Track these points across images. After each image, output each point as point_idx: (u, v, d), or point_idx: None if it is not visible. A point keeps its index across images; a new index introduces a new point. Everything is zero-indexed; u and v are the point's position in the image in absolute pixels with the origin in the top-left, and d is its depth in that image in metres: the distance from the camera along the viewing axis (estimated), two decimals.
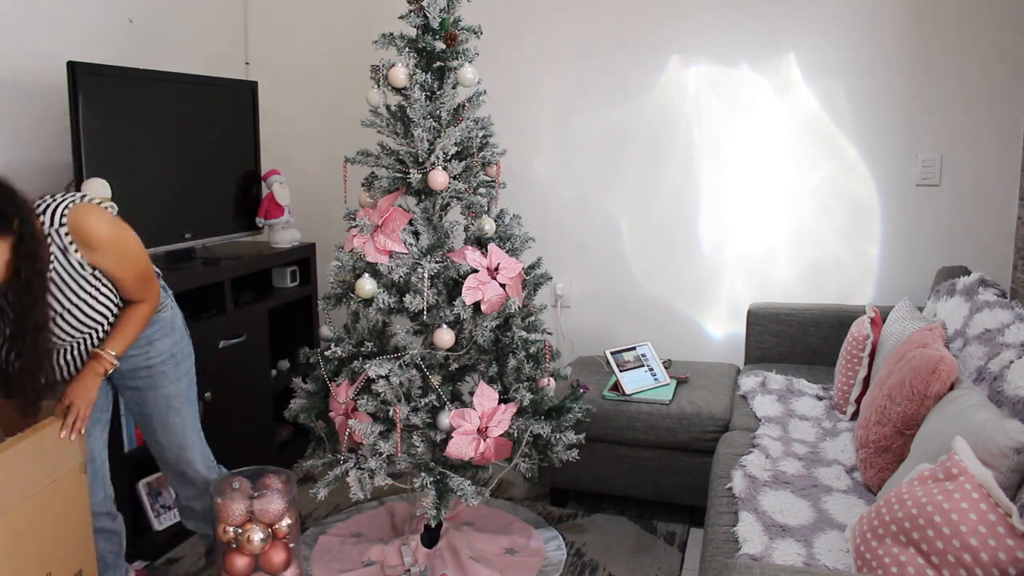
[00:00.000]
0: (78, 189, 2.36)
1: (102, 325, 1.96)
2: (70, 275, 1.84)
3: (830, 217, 3.15)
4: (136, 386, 2.09)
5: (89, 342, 1.96)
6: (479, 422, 2.28)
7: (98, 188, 2.36)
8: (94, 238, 1.82)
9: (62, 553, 1.89)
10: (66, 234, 1.80)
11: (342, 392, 2.35)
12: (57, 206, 1.80)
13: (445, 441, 2.28)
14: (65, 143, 2.63)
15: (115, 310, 1.97)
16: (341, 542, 2.65)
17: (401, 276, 2.29)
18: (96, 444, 2.10)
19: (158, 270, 2.12)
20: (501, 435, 2.32)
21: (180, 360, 2.13)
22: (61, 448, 1.88)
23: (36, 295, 1.76)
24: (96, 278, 1.89)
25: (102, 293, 1.92)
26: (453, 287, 2.36)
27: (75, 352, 1.96)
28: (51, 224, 1.80)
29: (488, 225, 2.38)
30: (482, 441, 2.28)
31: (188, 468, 2.19)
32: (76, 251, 1.82)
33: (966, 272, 2.66)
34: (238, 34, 3.71)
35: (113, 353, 1.95)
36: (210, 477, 2.22)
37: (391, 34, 2.34)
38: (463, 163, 2.33)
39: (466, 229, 2.42)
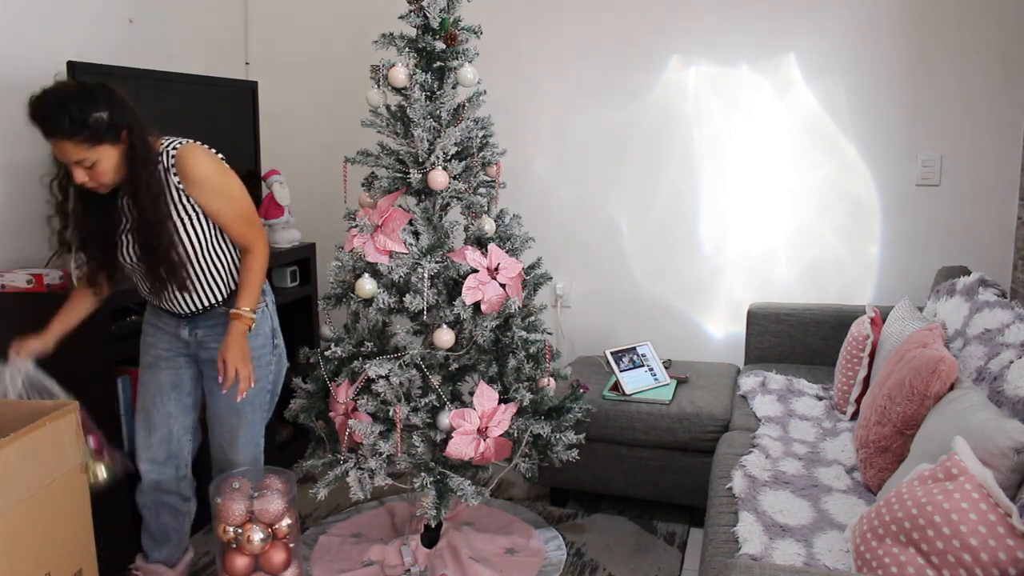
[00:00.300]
0: None
1: (203, 265, 2.07)
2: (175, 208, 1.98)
3: (830, 217, 3.15)
4: (212, 376, 2.15)
5: (195, 279, 2.07)
6: (479, 422, 2.28)
7: None
8: (197, 173, 1.96)
9: (61, 553, 1.89)
10: (175, 174, 1.95)
11: (342, 392, 2.35)
12: (167, 146, 1.96)
13: (445, 441, 2.28)
14: None
15: (217, 254, 2.08)
16: (341, 542, 2.65)
17: (401, 276, 2.29)
18: (174, 423, 2.19)
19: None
20: (501, 435, 2.32)
21: (259, 365, 2.16)
22: (59, 448, 1.88)
23: (155, 192, 1.93)
24: (195, 211, 2.01)
25: (203, 230, 2.04)
26: (453, 287, 2.36)
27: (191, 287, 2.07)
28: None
29: (488, 225, 2.38)
30: (482, 441, 2.28)
31: (227, 467, 2.23)
32: (181, 185, 1.96)
33: (966, 272, 2.66)
34: (238, 34, 3.71)
35: (247, 308, 2.06)
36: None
37: (391, 34, 2.34)
38: (463, 163, 2.33)
39: (466, 229, 2.42)
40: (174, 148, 1.97)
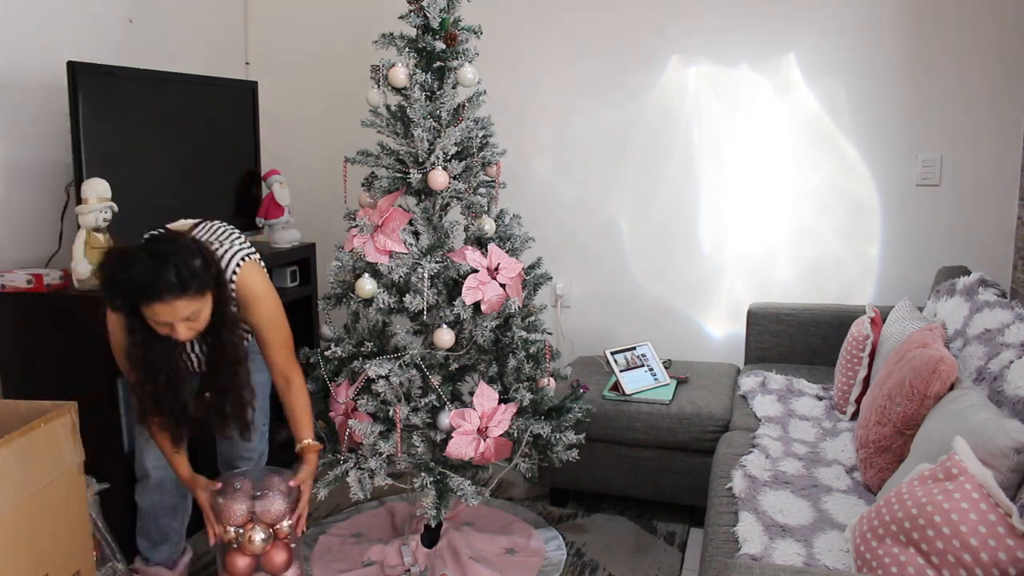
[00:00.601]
0: (78, 189, 2.36)
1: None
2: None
3: (830, 217, 3.15)
4: None
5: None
6: (479, 422, 2.28)
7: (98, 188, 2.36)
8: (258, 297, 1.97)
9: (59, 554, 1.89)
10: (232, 290, 1.93)
11: (342, 392, 2.35)
12: (229, 260, 1.96)
13: (445, 441, 2.28)
14: (65, 143, 2.63)
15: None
16: (341, 542, 2.65)
17: (401, 276, 2.29)
18: None
19: None
20: (501, 435, 2.32)
21: (259, 369, 2.16)
22: (57, 449, 1.88)
23: (236, 337, 1.93)
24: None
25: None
26: (453, 287, 2.36)
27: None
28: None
29: (488, 225, 2.38)
30: (482, 441, 2.28)
31: (240, 463, 2.29)
32: (234, 307, 1.94)
33: (966, 272, 2.66)
34: (238, 34, 3.71)
35: (310, 440, 2.13)
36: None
37: (391, 34, 2.34)
38: (463, 163, 2.33)
39: (466, 229, 2.42)
40: (237, 265, 1.95)
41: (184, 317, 1.77)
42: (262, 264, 2.05)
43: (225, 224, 2.15)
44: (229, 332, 1.89)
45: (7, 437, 1.74)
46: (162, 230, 1.89)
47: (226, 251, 1.97)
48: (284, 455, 3.20)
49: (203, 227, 2.08)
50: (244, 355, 1.94)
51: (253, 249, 2.06)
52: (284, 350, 2.06)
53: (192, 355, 2.06)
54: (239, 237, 2.09)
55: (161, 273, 1.70)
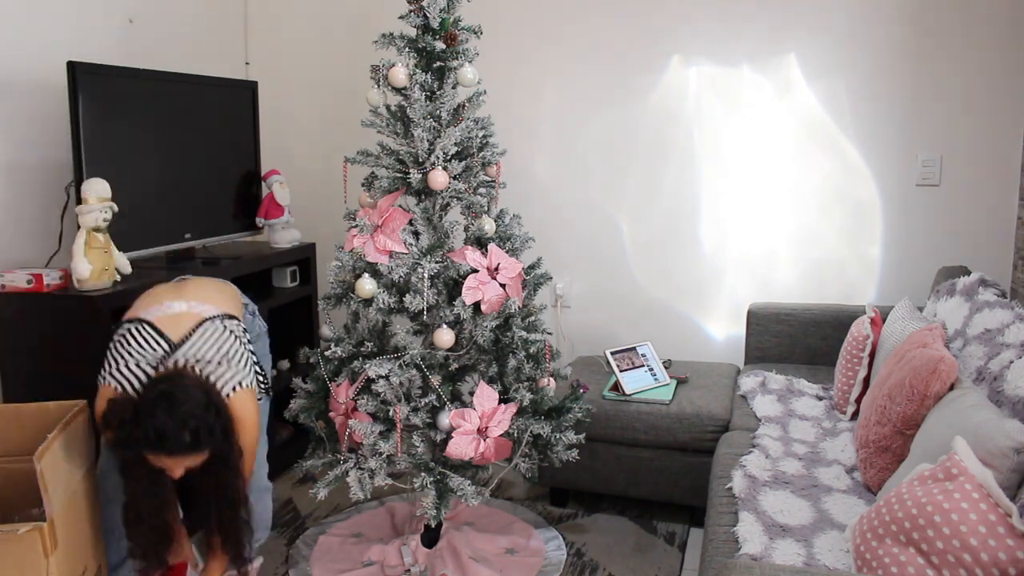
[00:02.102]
0: (78, 189, 2.36)
1: None
2: None
3: (830, 217, 3.15)
4: None
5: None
6: (479, 422, 2.28)
7: (98, 188, 2.36)
8: (252, 420, 1.93)
9: (92, 548, 1.90)
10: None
11: (342, 392, 2.35)
12: (226, 384, 1.89)
13: (445, 441, 2.28)
14: (65, 143, 2.63)
15: None
16: (341, 542, 2.65)
17: (401, 276, 2.29)
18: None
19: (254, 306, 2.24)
20: (501, 435, 2.32)
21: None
22: (83, 447, 1.89)
23: (241, 481, 1.90)
24: None
25: None
26: (453, 287, 2.36)
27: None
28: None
29: (488, 225, 2.38)
30: (482, 441, 2.28)
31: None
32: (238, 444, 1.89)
33: (966, 272, 2.66)
34: (238, 34, 3.71)
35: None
36: (256, 487, 2.23)
37: (391, 34, 2.34)
38: (463, 163, 2.33)
39: (466, 229, 2.42)
40: (232, 389, 1.90)
41: (187, 467, 1.78)
42: (257, 388, 2.01)
43: (226, 318, 2.02)
44: (235, 478, 1.87)
45: (57, 430, 1.76)
46: (170, 367, 1.83)
47: (223, 372, 1.90)
48: (284, 455, 3.21)
49: (204, 332, 1.95)
50: (245, 498, 1.91)
51: (251, 372, 1.99)
52: (251, 462, 2.01)
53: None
54: (240, 349, 1.98)
55: (178, 435, 1.70)
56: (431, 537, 2.54)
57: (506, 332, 2.38)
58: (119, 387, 1.83)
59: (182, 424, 1.70)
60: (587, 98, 3.36)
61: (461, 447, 2.26)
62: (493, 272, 2.33)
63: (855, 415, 2.49)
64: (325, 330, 2.48)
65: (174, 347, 1.90)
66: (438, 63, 2.34)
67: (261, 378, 2.14)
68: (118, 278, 2.43)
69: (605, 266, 3.45)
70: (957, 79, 2.94)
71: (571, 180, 3.44)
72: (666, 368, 2.98)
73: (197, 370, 1.85)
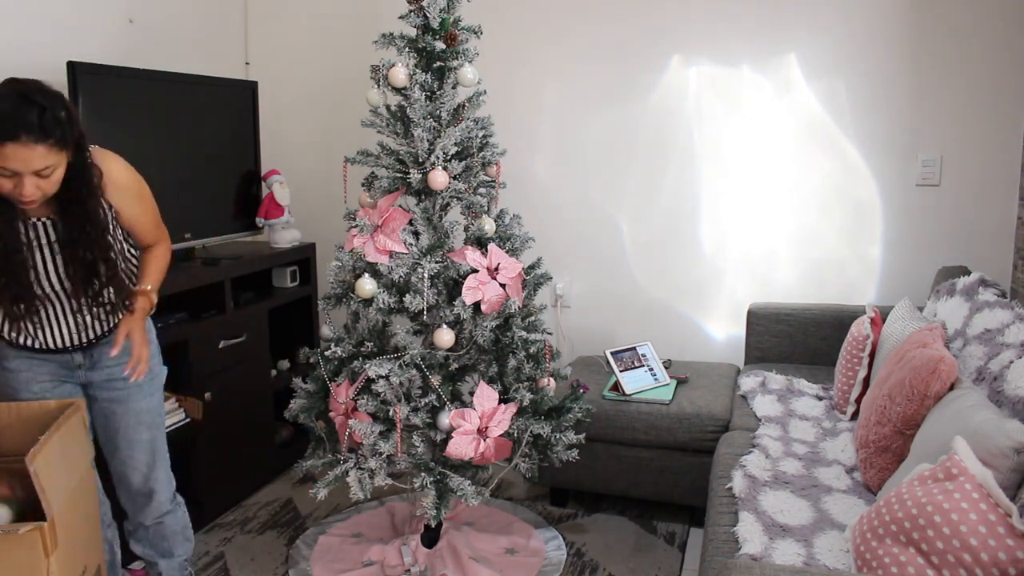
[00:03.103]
0: None
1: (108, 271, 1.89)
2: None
3: (830, 217, 3.15)
4: (109, 398, 2.01)
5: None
6: (479, 422, 2.28)
7: None
8: (124, 178, 1.85)
9: (92, 548, 1.90)
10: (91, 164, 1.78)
11: (342, 392, 2.35)
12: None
13: (445, 441, 2.28)
14: None
15: (129, 266, 1.94)
16: (341, 542, 2.65)
17: (401, 276, 2.29)
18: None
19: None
20: (501, 435, 2.32)
21: (155, 375, 2.07)
22: (82, 443, 1.89)
23: (97, 200, 1.78)
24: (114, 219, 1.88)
25: (117, 240, 1.90)
26: (453, 287, 2.36)
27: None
28: None
29: (488, 225, 2.38)
30: (482, 441, 2.28)
31: (156, 486, 2.09)
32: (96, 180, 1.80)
33: (966, 272, 2.66)
34: (238, 34, 3.71)
35: (150, 287, 1.95)
36: (170, 500, 2.14)
37: (391, 34, 2.34)
38: (463, 163, 2.33)
39: (466, 229, 2.42)
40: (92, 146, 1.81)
41: (36, 169, 1.61)
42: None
43: None
44: (96, 204, 1.76)
45: (53, 428, 1.75)
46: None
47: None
48: (284, 455, 3.21)
49: None
50: (107, 227, 1.81)
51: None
52: (156, 224, 1.96)
53: (46, 272, 1.83)
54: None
55: (23, 111, 1.57)
56: (431, 537, 2.54)
57: (506, 332, 2.38)
58: None
59: (28, 102, 1.58)
60: (587, 98, 3.36)
61: (461, 447, 2.26)
62: (493, 272, 2.33)
63: (855, 415, 2.49)
64: (325, 330, 2.48)
65: None
66: (438, 63, 2.34)
67: None
68: None
69: (605, 266, 3.45)
70: (957, 79, 2.93)
71: (571, 180, 3.44)
72: (666, 368, 2.98)
73: None
